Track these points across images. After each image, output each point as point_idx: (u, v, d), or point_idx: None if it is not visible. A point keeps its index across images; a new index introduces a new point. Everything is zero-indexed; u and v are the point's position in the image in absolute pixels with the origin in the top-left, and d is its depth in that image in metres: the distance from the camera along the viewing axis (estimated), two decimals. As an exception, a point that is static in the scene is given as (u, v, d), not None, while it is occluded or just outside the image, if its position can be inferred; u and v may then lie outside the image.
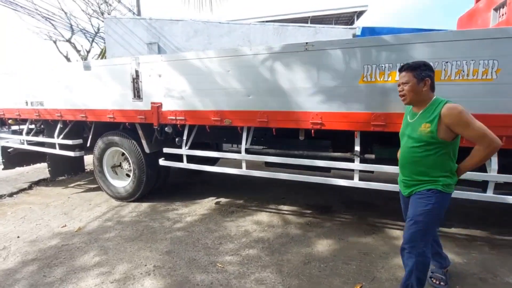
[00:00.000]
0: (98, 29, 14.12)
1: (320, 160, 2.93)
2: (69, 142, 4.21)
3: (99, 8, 13.96)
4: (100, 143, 4.03)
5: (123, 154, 4.03)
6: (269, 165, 3.40)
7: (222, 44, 7.81)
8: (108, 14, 13.65)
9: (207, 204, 3.90)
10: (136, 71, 3.45)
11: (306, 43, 2.69)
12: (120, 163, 4.17)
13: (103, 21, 9.99)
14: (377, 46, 2.46)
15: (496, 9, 3.58)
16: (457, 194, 2.52)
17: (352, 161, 2.81)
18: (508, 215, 3.38)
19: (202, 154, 3.48)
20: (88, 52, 14.77)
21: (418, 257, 1.78)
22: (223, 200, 4.04)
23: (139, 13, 12.26)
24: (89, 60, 4.83)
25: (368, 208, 3.72)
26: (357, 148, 2.76)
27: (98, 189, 4.37)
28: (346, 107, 2.64)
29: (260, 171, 3.24)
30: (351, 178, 2.82)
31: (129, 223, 3.33)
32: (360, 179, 2.81)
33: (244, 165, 3.25)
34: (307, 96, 2.74)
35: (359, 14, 12.75)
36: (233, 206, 3.81)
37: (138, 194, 3.88)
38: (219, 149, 4.47)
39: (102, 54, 12.21)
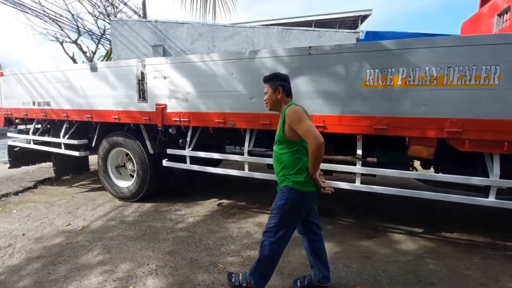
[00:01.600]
0: (104, 31, 14.33)
1: (322, 163, 2.94)
2: (75, 142, 4.27)
3: (105, 10, 14.16)
4: (105, 144, 4.09)
5: (127, 154, 4.08)
6: (271, 168, 3.42)
7: (226, 47, 7.89)
8: (114, 16, 13.82)
9: (209, 205, 3.93)
10: (142, 73, 3.51)
11: (310, 47, 2.73)
12: (124, 163, 4.22)
13: (109, 23, 10.13)
14: (379, 51, 2.49)
15: (499, 15, 3.58)
16: (460, 199, 2.53)
17: (354, 164, 2.82)
18: (511, 220, 3.36)
19: (205, 156, 3.51)
20: (94, 53, 14.98)
21: (272, 245, 1.88)
22: (225, 201, 4.07)
23: (144, 16, 12.41)
24: (96, 62, 4.91)
25: (370, 211, 3.72)
26: (359, 151, 2.77)
27: (102, 189, 4.42)
28: (348, 111, 2.66)
29: (263, 173, 3.26)
30: (353, 181, 2.83)
31: (132, 222, 3.36)
32: (362, 183, 2.82)
33: (246, 167, 3.28)
34: (310, 99, 2.77)
35: (363, 18, 12.80)
36: (235, 207, 3.83)
37: (141, 195, 3.92)
38: (222, 150, 4.50)
39: (108, 56, 12.36)
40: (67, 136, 4.37)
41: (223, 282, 2.23)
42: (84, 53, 15.02)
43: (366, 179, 3.06)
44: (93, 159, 5.05)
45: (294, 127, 1.80)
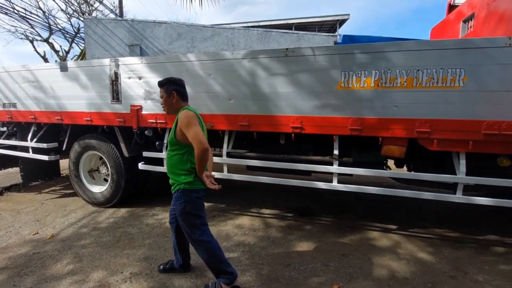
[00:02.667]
0: (78, 30, 13.74)
1: (300, 163, 2.97)
2: (44, 145, 4.05)
3: (80, 8, 13.60)
4: (76, 147, 3.90)
5: (100, 158, 3.91)
6: (250, 169, 3.41)
7: (206, 47, 7.80)
8: (89, 14, 13.31)
9: (188, 208, 3.84)
10: (115, 73, 3.38)
11: (287, 49, 2.75)
12: (98, 167, 4.05)
13: (83, 21, 9.73)
14: (353, 54, 2.55)
15: (465, 21, 3.80)
16: (431, 196, 2.63)
17: (331, 164, 2.87)
18: (478, 216, 3.56)
19: (183, 158, 3.43)
20: (67, 52, 14.33)
21: (201, 246, 2.05)
22: (204, 204, 3.99)
23: (121, 15, 12.04)
24: (66, 61, 4.70)
25: (347, 210, 3.81)
26: (336, 151, 2.82)
27: (74, 194, 4.21)
28: (324, 112, 2.70)
29: (242, 174, 3.24)
30: (331, 181, 2.88)
31: (106, 229, 3.23)
32: (339, 182, 2.88)
33: (225, 168, 3.24)
34: (287, 101, 2.79)
35: (341, 22, 13.13)
36: (215, 210, 3.78)
37: (116, 200, 3.77)
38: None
39: (82, 55, 11.87)
40: (35, 140, 4.13)
41: (200, 287, 2.19)
42: (57, 52, 14.33)
43: (343, 178, 3.12)
44: (64, 163, 4.80)
45: (184, 131, 1.90)
